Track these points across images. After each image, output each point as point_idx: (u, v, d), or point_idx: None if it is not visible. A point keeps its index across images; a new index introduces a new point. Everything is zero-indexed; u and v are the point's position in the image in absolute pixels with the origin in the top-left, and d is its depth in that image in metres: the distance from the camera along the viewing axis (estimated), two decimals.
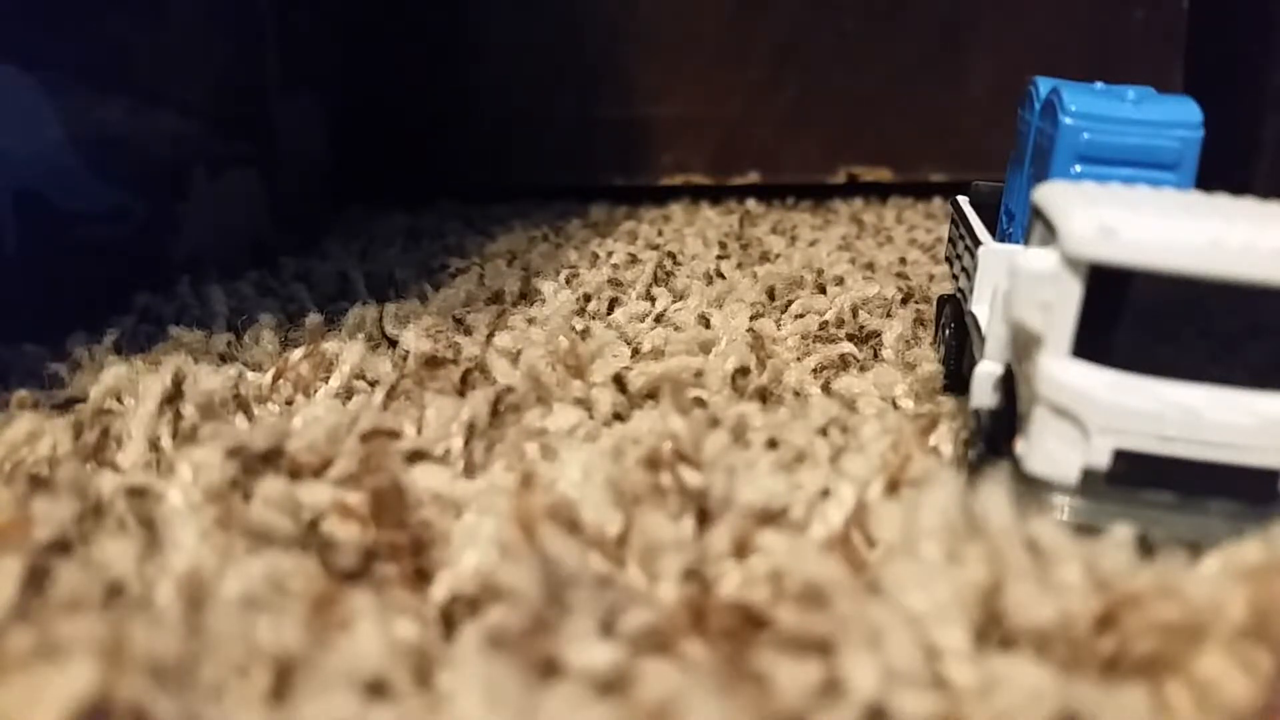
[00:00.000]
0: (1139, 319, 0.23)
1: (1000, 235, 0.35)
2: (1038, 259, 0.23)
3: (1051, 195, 0.25)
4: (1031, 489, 0.23)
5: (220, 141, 0.47)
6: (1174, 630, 0.19)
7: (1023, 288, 0.23)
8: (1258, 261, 0.22)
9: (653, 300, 0.45)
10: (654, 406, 0.31)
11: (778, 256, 0.56)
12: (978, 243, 0.33)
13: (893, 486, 0.25)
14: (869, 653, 0.18)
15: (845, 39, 0.76)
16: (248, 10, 0.48)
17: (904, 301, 0.45)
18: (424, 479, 0.25)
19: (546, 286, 0.46)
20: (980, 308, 0.31)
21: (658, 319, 0.42)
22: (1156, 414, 0.23)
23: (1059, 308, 0.23)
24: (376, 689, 0.18)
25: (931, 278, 0.50)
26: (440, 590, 0.21)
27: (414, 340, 0.36)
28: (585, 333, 0.39)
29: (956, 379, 0.33)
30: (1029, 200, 0.27)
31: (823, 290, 0.47)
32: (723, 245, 0.59)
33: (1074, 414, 0.23)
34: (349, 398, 0.32)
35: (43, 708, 0.16)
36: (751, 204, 0.76)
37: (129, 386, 0.30)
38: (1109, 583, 0.20)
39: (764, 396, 0.33)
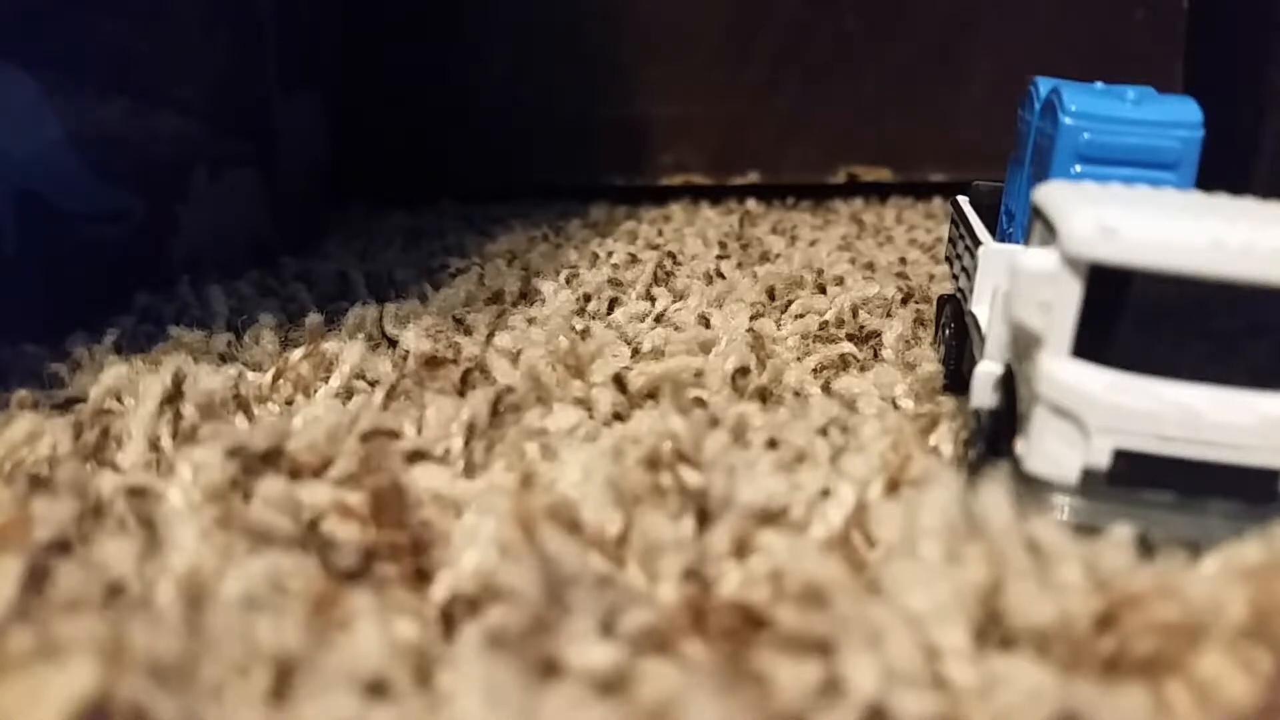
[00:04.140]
0: (1139, 319, 0.23)
1: (1000, 235, 0.35)
2: (1038, 259, 0.23)
3: (1051, 195, 0.25)
4: (1031, 489, 0.23)
5: (220, 141, 0.47)
6: (1174, 630, 0.19)
7: (1023, 288, 0.23)
8: (1258, 261, 0.22)
9: (653, 300, 0.45)
10: (654, 406, 0.31)
11: (778, 256, 0.56)
12: (978, 243, 0.33)
13: (893, 486, 0.25)
14: (869, 653, 0.18)
15: (845, 39, 0.76)
16: (248, 10, 0.48)
17: (904, 301, 0.45)
18: (424, 479, 0.25)
19: (546, 286, 0.46)
20: (980, 308, 0.31)
21: (658, 319, 0.42)
22: (1156, 414, 0.23)
23: (1059, 308, 0.23)
24: (376, 689, 0.18)
25: (931, 278, 0.50)
26: (440, 590, 0.21)
27: (414, 340, 0.36)
28: (585, 333, 0.39)
29: (956, 379, 0.33)
30: (1029, 200, 0.27)
31: (823, 290, 0.47)
32: (723, 245, 0.59)
33: (1074, 414, 0.23)
34: (349, 398, 0.32)
35: (43, 708, 0.16)
36: (751, 204, 0.76)
37: (129, 386, 0.30)
38: (1109, 583, 0.20)
39: (764, 396, 0.33)
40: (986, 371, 0.27)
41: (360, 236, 0.60)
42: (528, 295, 0.45)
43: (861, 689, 0.17)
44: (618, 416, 0.31)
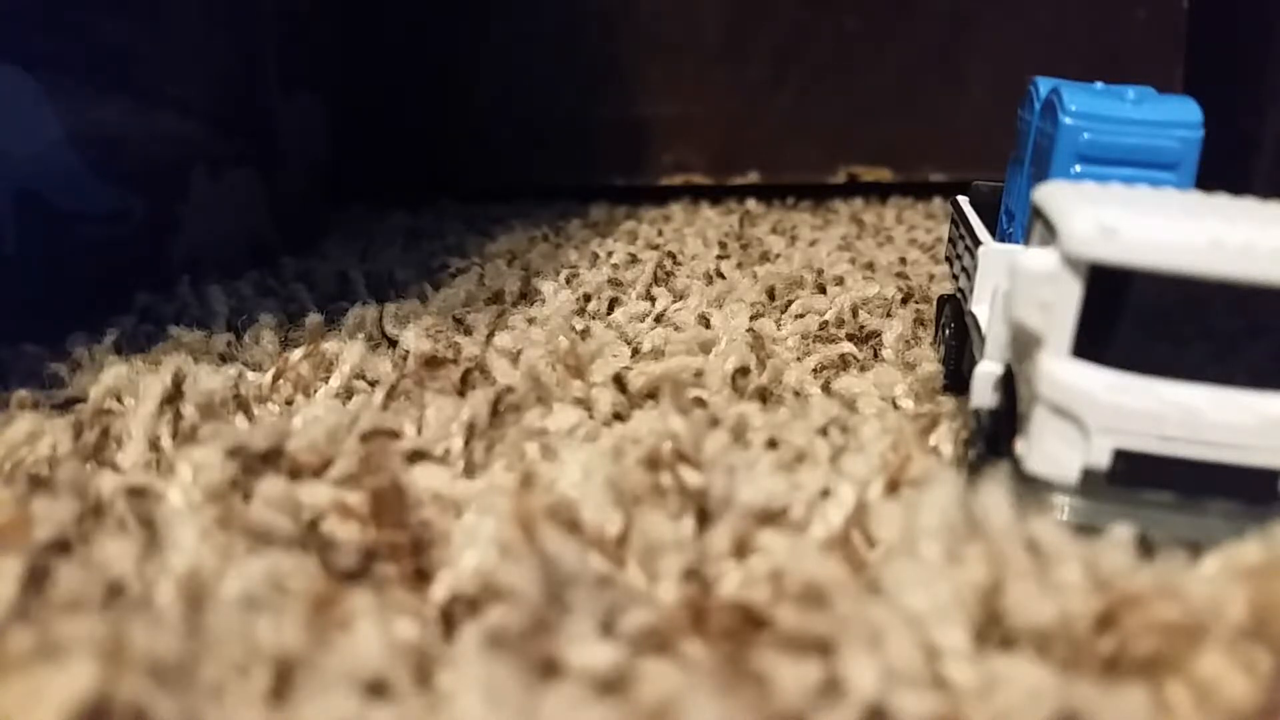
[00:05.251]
0: (1139, 319, 0.23)
1: (1000, 235, 0.35)
2: (1038, 259, 0.23)
3: (1051, 195, 0.25)
4: (1031, 489, 0.23)
5: (220, 141, 0.47)
6: (1174, 630, 0.19)
7: (1023, 288, 0.23)
8: (1258, 261, 0.22)
9: (653, 300, 0.45)
10: (654, 406, 0.31)
11: (778, 256, 0.56)
12: (978, 243, 0.33)
13: (893, 486, 0.25)
14: (869, 653, 0.18)
15: (845, 39, 0.76)
16: (248, 10, 0.48)
17: (904, 301, 0.45)
18: (424, 479, 0.25)
19: (546, 286, 0.46)
20: (980, 308, 0.31)
21: (658, 319, 0.42)
22: (1156, 414, 0.23)
23: (1059, 308, 0.23)
24: (376, 689, 0.18)
25: (931, 278, 0.50)
26: (440, 590, 0.21)
27: (414, 340, 0.36)
28: (585, 333, 0.39)
29: (956, 379, 0.33)
30: (1029, 200, 0.27)
31: (823, 290, 0.47)
32: (723, 245, 0.59)
33: (1074, 414, 0.23)
34: (349, 398, 0.32)
35: (43, 708, 0.16)
36: (751, 204, 0.76)
37: (129, 386, 0.30)
38: (1109, 583, 0.20)
39: (764, 396, 0.33)
40: (986, 371, 0.27)
41: (360, 236, 0.60)
42: (528, 295, 0.45)
43: (861, 689, 0.17)
44: (618, 416, 0.31)
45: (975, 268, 0.32)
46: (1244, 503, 0.23)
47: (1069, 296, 0.23)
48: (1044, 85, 0.33)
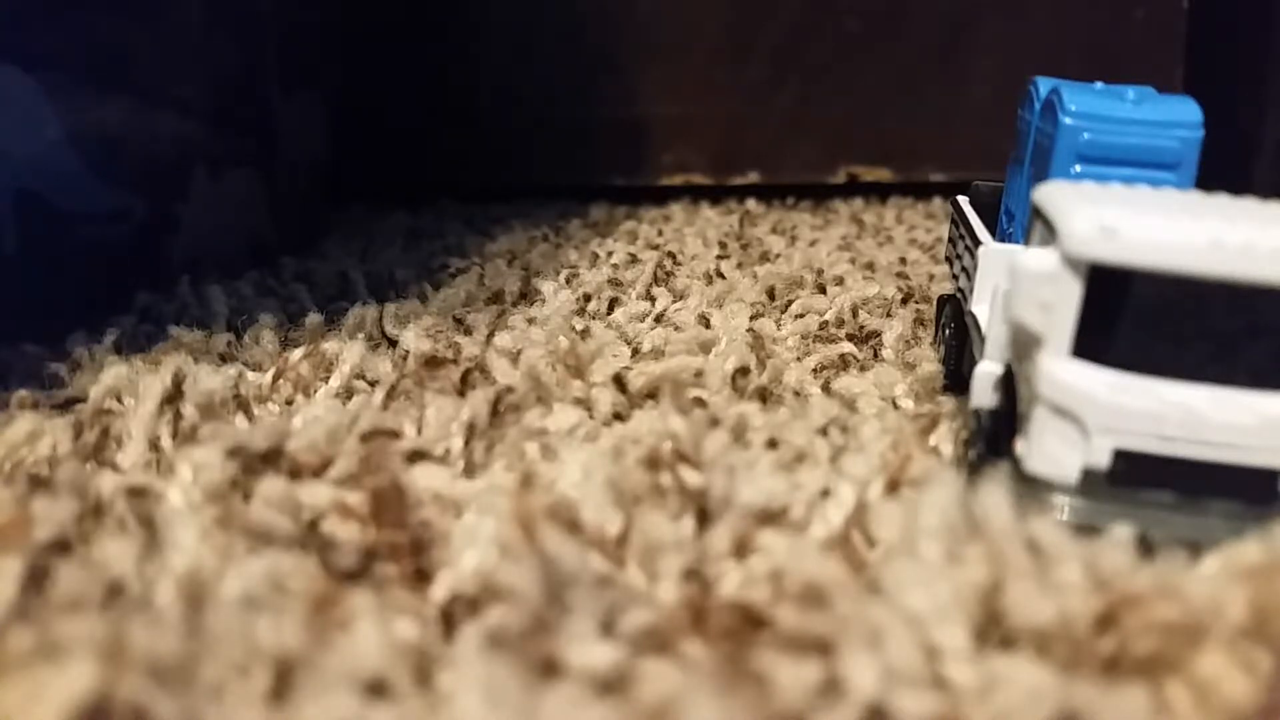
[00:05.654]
0: (1139, 319, 0.23)
1: (1000, 235, 0.35)
2: (1038, 259, 0.23)
3: (1051, 195, 0.25)
4: (1031, 489, 0.23)
5: (220, 141, 0.47)
6: (1174, 630, 0.19)
7: (1023, 288, 0.23)
8: (1258, 261, 0.22)
9: (653, 300, 0.45)
10: (654, 406, 0.31)
11: (778, 256, 0.56)
12: (978, 243, 0.33)
13: (893, 486, 0.25)
14: (869, 653, 0.18)
15: (845, 39, 0.76)
16: (248, 10, 0.48)
17: (904, 301, 0.45)
18: (424, 479, 0.25)
19: (546, 286, 0.46)
20: (980, 308, 0.31)
21: (658, 319, 0.42)
22: (1156, 414, 0.23)
23: (1059, 308, 0.23)
24: (376, 689, 0.18)
25: (931, 278, 0.50)
26: (440, 590, 0.21)
27: (414, 340, 0.36)
28: (585, 333, 0.39)
29: (956, 379, 0.33)
30: (1029, 200, 0.27)
31: (823, 290, 0.47)
32: (723, 245, 0.59)
33: (1074, 414, 0.23)
34: (349, 398, 0.32)
35: (43, 708, 0.16)
36: (751, 204, 0.76)
37: (129, 386, 0.30)
38: (1109, 583, 0.20)
39: (764, 396, 0.33)
40: (986, 371, 0.27)
41: (360, 236, 0.60)
42: (528, 295, 0.45)
43: (861, 689, 0.17)
44: (618, 416, 0.31)
45: (975, 268, 0.32)
46: (1244, 503, 0.23)
47: (1069, 296, 0.23)
48: (1044, 85, 0.33)
